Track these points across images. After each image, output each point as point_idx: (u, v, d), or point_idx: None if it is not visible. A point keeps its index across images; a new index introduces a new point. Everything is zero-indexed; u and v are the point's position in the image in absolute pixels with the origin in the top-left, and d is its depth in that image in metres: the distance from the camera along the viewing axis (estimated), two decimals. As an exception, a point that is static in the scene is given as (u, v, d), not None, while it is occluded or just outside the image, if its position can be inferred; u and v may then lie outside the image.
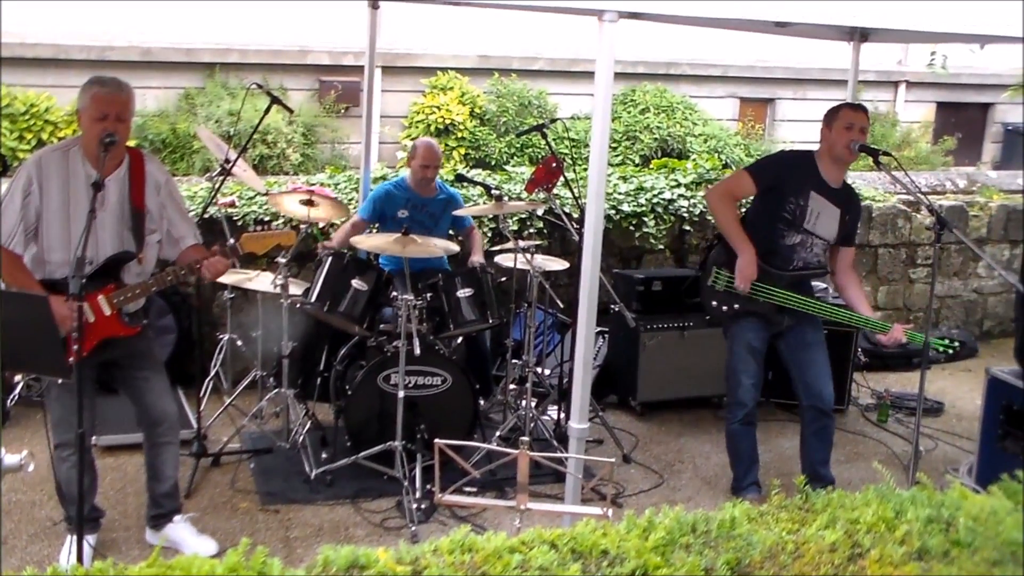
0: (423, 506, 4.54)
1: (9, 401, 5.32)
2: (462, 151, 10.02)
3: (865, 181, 8.27)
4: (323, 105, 10.29)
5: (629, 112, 10.81)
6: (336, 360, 5.30)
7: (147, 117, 9.37)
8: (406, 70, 10.64)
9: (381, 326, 5.16)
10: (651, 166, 7.98)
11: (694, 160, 7.78)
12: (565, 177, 5.38)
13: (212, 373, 5.69)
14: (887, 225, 7.61)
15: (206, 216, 5.39)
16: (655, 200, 6.94)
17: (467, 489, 3.93)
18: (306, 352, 5.35)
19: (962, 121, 13.40)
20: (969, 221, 7.90)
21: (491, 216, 6.28)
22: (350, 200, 6.38)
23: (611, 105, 3.74)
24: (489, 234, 6.37)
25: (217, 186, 5.25)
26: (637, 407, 6.06)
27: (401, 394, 4.67)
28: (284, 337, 5.11)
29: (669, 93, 11.21)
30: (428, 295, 4.93)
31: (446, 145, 9.85)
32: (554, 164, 5.30)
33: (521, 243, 5.18)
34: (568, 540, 2.00)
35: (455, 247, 5.21)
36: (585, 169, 3.90)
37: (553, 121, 6.60)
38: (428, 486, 4.54)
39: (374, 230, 5.62)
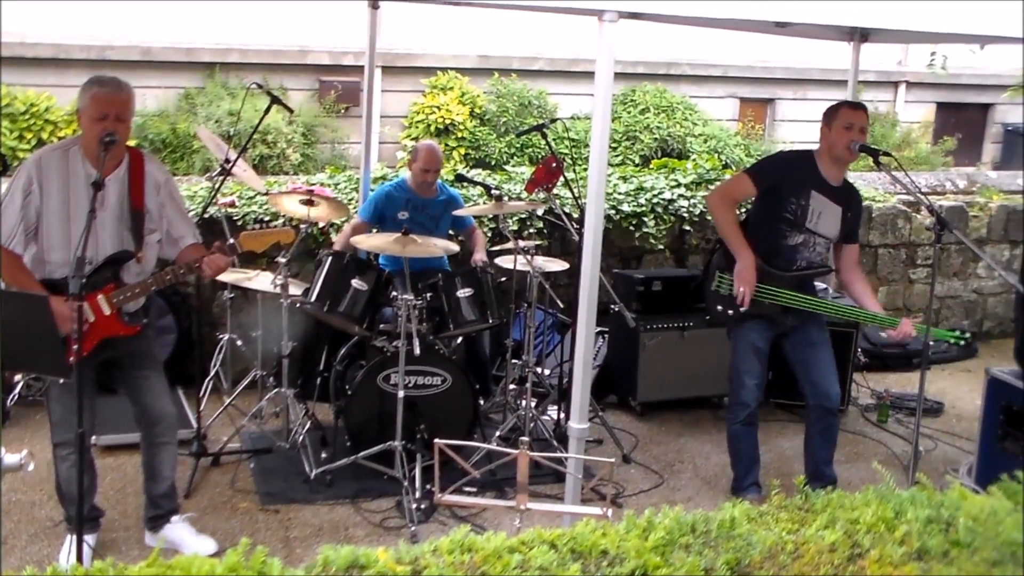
0: (423, 506, 4.54)
1: (9, 401, 5.32)
2: (462, 151, 10.02)
3: (865, 181, 8.27)
4: (323, 105, 10.29)
5: (629, 112, 10.81)
6: (336, 360, 5.30)
7: (147, 117, 9.37)
8: (406, 70, 10.65)
9: (381, 326, 5.16)
10: (651, 166, 7.98)
11: (694, 160, 7.78)
12: (565, 177, 5.38)
13: (212, 373, 5.69)
14: (887, 225, 7.61)
15: (206, 216, 5.40)
16: (655, 200, 6.94)
17: (467, 489, 3.92)
18: (306, 352, 5.35)
19: (962, 121, 13.41)
20: (969, 221, 7.91)
21: (491, 216, 6.28)
22: (350, 200, 6.38)
23: (611, 105, 3.74)
24: (489, 234, 6.37)
25: (217, 186, 5.25)
26: (637, 407, 6.06)
27: (401, 394, 4.67)
28: (284, 337, 5.11)
29: (669, 93, 11.21)
30: (428, 295, 4.93)
31: (446, 145, 9.85)
32: (554, 164, 5.30)
33: (521, 243, 5.18)
34: (568, 540, 2.00)
35: (455, 247, 5.21)
36: (585, 169, 3.90)
37: (553, 121, 6.60)
38: (428, 486, 4.53)
39: (375, 231, 5.62)
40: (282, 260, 5.01)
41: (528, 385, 5.19)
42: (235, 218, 5.95)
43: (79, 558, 3.54)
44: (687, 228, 7.02)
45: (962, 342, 4.68)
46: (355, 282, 4.90)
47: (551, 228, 6.47)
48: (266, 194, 5.97)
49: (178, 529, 4.18)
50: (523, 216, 6.45)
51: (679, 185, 7.13)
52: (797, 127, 12.04)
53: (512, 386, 5.62)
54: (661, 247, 6.94)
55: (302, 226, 5.19)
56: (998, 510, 2.11)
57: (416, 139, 9.72)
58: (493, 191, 5.43)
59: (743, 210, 6.03)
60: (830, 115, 4.56)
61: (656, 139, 10.49)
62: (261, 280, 5.32)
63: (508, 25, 10.05)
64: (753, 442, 4.86)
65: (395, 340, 4.78)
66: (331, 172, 7.12)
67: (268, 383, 5.46)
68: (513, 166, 8.42)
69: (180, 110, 9.74)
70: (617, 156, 10.19)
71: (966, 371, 7.26)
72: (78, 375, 3.37)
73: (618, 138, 10.44)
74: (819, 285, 5.74)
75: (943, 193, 8.59)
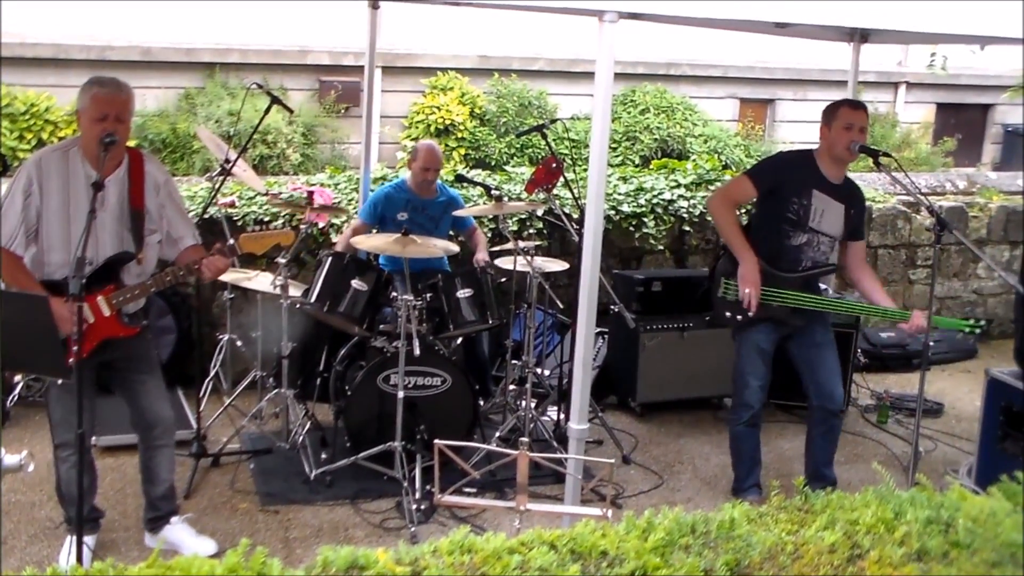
0: (423, 507, 4.54)
1: (9, 401, 5.32)
2: (462, 151, 10.02)
3: (865, 182, 8.24)
4: (323, 105, 10.29)
5: (629, 112, 10.81)
6: (336, 360, 5.29)
7: (147, 117, 9.37)
8: (406, 70, 10.65)
9: (381, 326, 5.16)
10: (651, 167, 7.98)
11: (694, 161, 7.78)
12: (565, 177, 5.38)
13: (212, 373, 5.69)
14: (887, 226, 7.61)
15: (206, 216, 5.40)
16: (655, 201, 6.94)
17: (467, 490, 3.93)
18: (306, 352, 5.35)
19: (962, 122, 13.41)
20: (969, 222, 7.91)
21: (491, 216, 6.27)
22: (350, 201, 6.39)
23: (611, 105, 3.74)
24: (489, 234, 6.36)
25: (217, 186, 5.25)
26: (637, 408, 6.06)
27: (401, 394, 4.67)
28: (284, 337, 5.11)
29: (669, 94, 11.21)
30: (428, 295, 4.93)
31: (446, 145, 9.85)
32: (554, 164, 5.30)
33: (521, 244, 5.18)
34: (567, 541, 2.00)
35: (455, 247, 5.21)
36: (585, 169, 3.90)
37: (553, 121, 6.59)
38: (428, 487, 4.54)
39: (374, 232, 5.61)
40: (282, 261, 5.01)
41: (528, 386, 5.19)
42: (235, 218, 5.95)
43: (79, 559, 3.54)
44: (687, 229, 7.02)
45: (977, 330, 4.64)
46: (355, 283, 4.90)
47: (551, 228, 6.47)
48: (266, 194, 5.97)
49: (178, 530, 4.18)
50: (523, 217, 6.45)
51: (679, 186, 7.14)
52: (797, 128, 12.04)
53: (512, 387, 5.62)
54: (661, 248, 6.94)
55: (302, 227, 5.20)
56: (998, 511, 2.11)
57: (416, 139, 9.71)
58: (493, 191, 5.43)
59: (743, 211, 6.04)
60: (830, 114, 4.55)
61: (656, 139, 10.49)
62: (261, 280, 5.32)
63: (508, 25, 10.05)
64: (755, 443, 4.85)
65: (395, 341, 4.78)
66: (331, 172, 7.12)
67: (268, 384, 5.46)
68: (513, 166, 8.42)
69: (180, 110, 9.74)
70: (617, 156, 10.19)
71: (966, 372, 7.26)
72: (78, 376, 3.37)
73: (618, 138, 10.44)
74: (820, 287, 5.74)
75: (943, 194, 8.59)
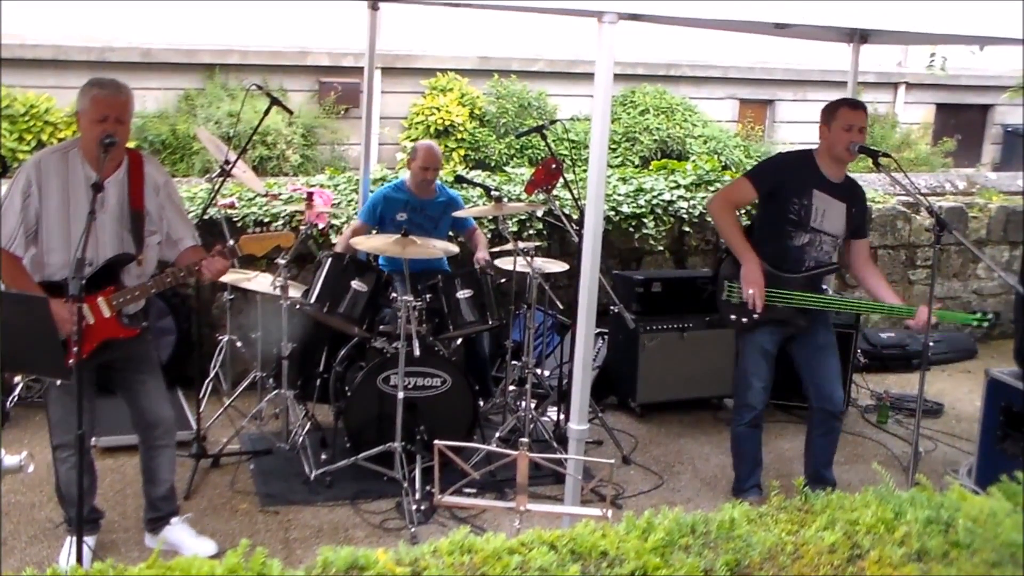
0: (422, 507, 4.54)
1: (9, 402, 5.32)
2: (462, 152, 10.02)
3: (865, 182, 8.18)
4: (323, 106, 10.29)
5: (629, 113, 10.81)
6: (336, 361, 5.30)
7: (147, 118, 9.37)
8: (406, 71, 10.65)
9: (381, 327, 5.16)
10: (651, 167, 7.98)
11: (694, 161, 7.79)
12: (565, 178, 5.38)
13: (211, 374, 5.70)
14: (887, 227, 7.61)
15: (206, 217, 5.39)
16: (655, 201, 6.94)
17: (467, 490, 3.93)
18: (305, 353, 5.35)
19: (962, 122, 13.41)
20: (968, 222, 7.91)
21: (491, 217, 6.27)
22: (350, 202, 6.39)
23: (611, 106, 3.73)
24: (489, 235, 6.36)
25: (217, 187, 5.25)
26: (636, 408, 6.06)
27: (400, 395, 4.67)
28: (283, 338, 5.12)
29: (669, 94, 11.21)
30: (428, 296, 4.93)
31: (446, 146, 9.85)
32: (553, 165, 5.30)
33: (521, 244, 5.18)
34: (567, 541, 2.00)
35: (455, 248, 5.21)
36: (585, 170, 3.90)
37: (553, 122, 6.60)
38: (427, 487, 4.54)
39: (374, 233, 5.62)
40: (282, 262, 5.01)
41: (528, 386, 5.19)
42: (235, 219, 5.95)
43: (79, 559, 3.54)
44: (687, 229, 7.02)
45: (985, 323, 4.62)
46: (355, 283, 4.90)
47: (551, 229, 6.47)
48: (266, 195, 5.97)
49: (178, 531, 4.18)
50: (523, 217, 6.46)
51: (679, 186, 7.14)
52: (797, 128, 12.05)
53: (512, 387, 5.62)
54: (661, 248, 6.95)
55: (301, 227, 5.20)
56: (997, 511, 2.11)
57: (416, 140, 9.71)
58: (493, 192, 5.43)
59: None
60: (829, 114, 4.55)
61: (656, 140, 10.49)
62: (261, 281, 5.32)
63: (508, 26, 10.05)
64: (757, 444, 4.85)
65: (395, 341, 4.78)
66: (331, 173, 7.12)
67: (268, 384, 5.46)
68: (513, 167, 8.42)
69: (180, 111, 9.74)
70: (617, 157, 10.19)
71: (966, 372, 7.26)
72: (78, 377, 3.37)
73: (618, 139, 10.44)
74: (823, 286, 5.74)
75: (943, 194, 8.59)
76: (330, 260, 4.99)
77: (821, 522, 2.15)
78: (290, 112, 5.81)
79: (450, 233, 5.80)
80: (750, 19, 4.15)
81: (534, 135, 6.31)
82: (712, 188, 7.19)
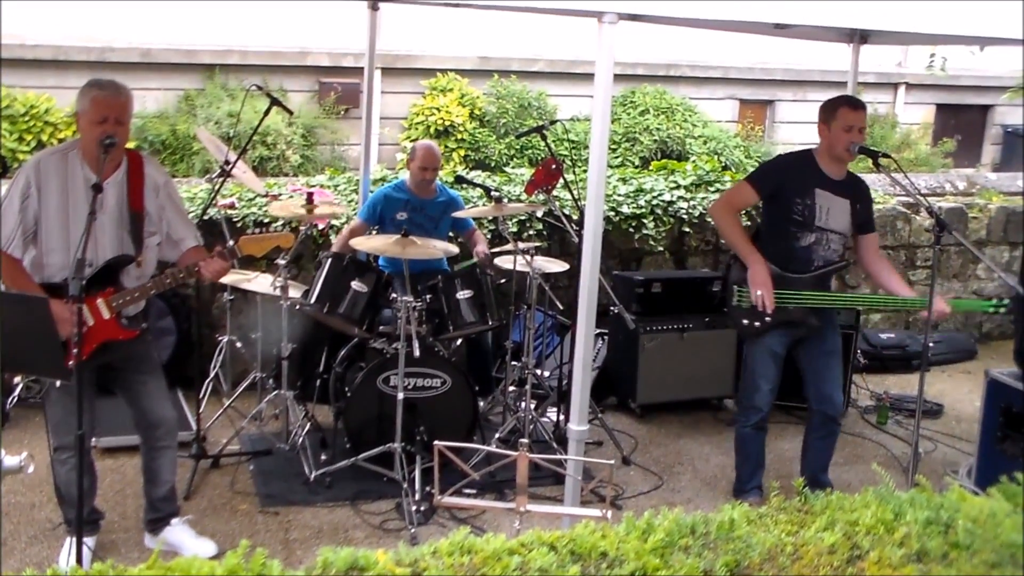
0: (422, 508, 4.54)
1: (9, 403, 5.32)
2: (462, 152, 10.02)
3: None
4: (323, 106, 10.29)
5: (629, 114, 10.81)
6: (335, 362, 5.30)
7: (147, 118, 9.37)
8: (406, 71, 10.65)
9: (380, 328, 5.16)
10: (651, 168, 7.98)
11: (694, 162, 7.79)
12: (565, 179, 5.38)
13: (211, 375, 5.70)
14: (886, 227, 7.61)
15: (206, 218, 5.39)
16: (655, 202, 6.94)
17: (466, 491, 3.93)
18: (305, 354, 5.35)
19: (962, 123, 13.42)
20: (968, 223, 7.91)
21: (491, 218, 6.28)
22: (350, 202, 6.39)
23: (611, 107, 3.73)
24: (489, 236, 6.37)
25: (217, 188, 5.25)
26: (636, 409, 6.06)
27: (400, 396, 4.67)
28: (283, 339, 5.11)
29: (669, 95, 11.22)
30: (427, 297, 4.93)
31: (446, 147, 9.85)
32: (553, 166, 5.30)
33: (521, 245, 5.18)
34: (567, 542, 2.00)
35: (455, 248, 5.22)
36: (585, 171, 3.90)
37: (553, 123, 6.60)
38: (427, 488, 4.53)
39: (374, 233, 5.62)
40: (282, 262, 5.01)
41: (527, 387, 5.19)
42: (235, 220, 5.95)
43: (79, 560, 3.54)
44: (687, 230, 7.02)
45: (1002, 310, 4.59)
46: (355, 284, 4.90)
47: (551, 230, 6.47)
48: (266, 196, 5.97)
49: (178, 531, 4.18)
50: (523, 218, 6.46)
51: (679, 187, 7.14)
52: (797, 129, 12.04)
53: (511, 388, 5.62)
54: (661, 249, 6.95)
55: (301, 228, 5.19)
56: (997, 512, 2.11)
57: (415, 140, 9.70)
58: (493, 193, 5.43)
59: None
60: (828, 113, 4.53)
61: (656, 141, 10.49)
62: (260, 282, 5.32)
63: (508, 26, 10.05)
64: (761, 446, 4.85)
65: (395, 342, 4.78)
66: (331, 174, 7.12)
67: (268, 385, 5.46)
68: (513, 168, 8.42)
69: (180, 112, 9.74)
70: (617, 158, 10.19)
71: (966, 373, 7.26)
72: (78, 378, 3.37)
73: (618, 140, 10.44)
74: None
75: (943, 195, 8.59)
76: (330, 261, 4.99)
77: (821, 523, 2.15)
78: (290, 112, 5.81)
79: (450, 234, 5.80)
80: (750, 19, 4.14)
81: (534, 135, 6.31)
82: (712, 188, 7.20)
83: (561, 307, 5.78)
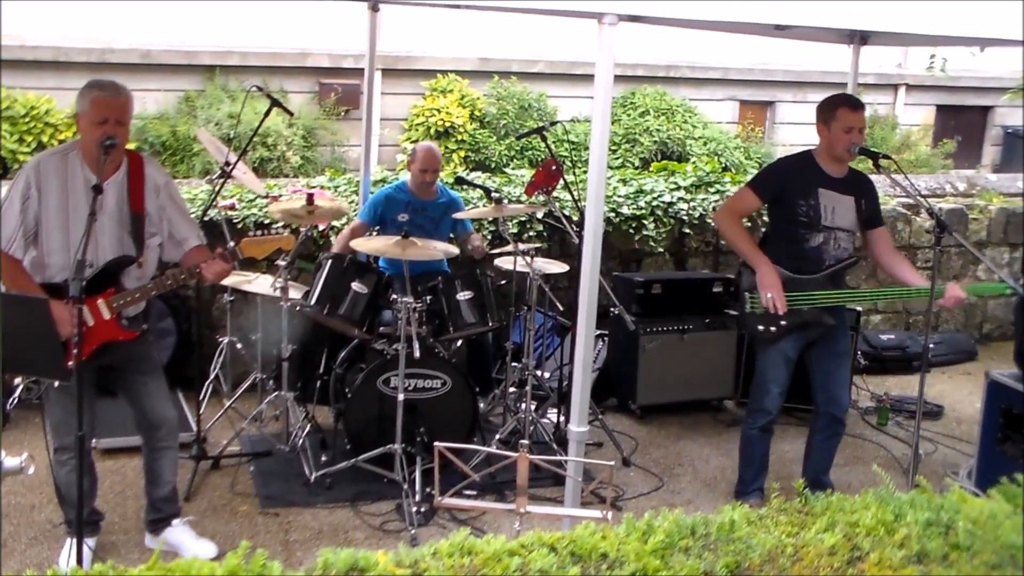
0: (422, 509, 4.54)
1: (9, 404, 5.32)
2: (462, 154, 10.02)
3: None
4: (323, 108, 10.29)
5: (629, 115, 10.81)
6: (336, 363, 5.30)
7: (147, 119, 9.37)
8: (406, 73, 10.65)
9: (381, 329, 5.16)
10: (651, 169, 7.98)
11: (694, 163, 7.79)
12: (565, 180, 5.38)
13: (212, 376, 5.70)
14: (887, 228, 7.60)
15: (206, 219, 5.39)
16: (655, 203, 6.94)
17: (467, 492, 3.92)
18: (306, 355, 5.35)
19: (962, 124, 13.41)
20: (969, 224, 7.91)
21: (491, 219, 6.28)
22: (350, 203, 6.39)
23: (611, 108, 3.73)
24: (489, 237, 6.37)
25: (217, 189, 5.25)
26: (637, 410, 6.06)
27: (401, 397, 4.67)
28: (284, 340, 5.11)
29: (669, 96, 11.21)
30: (428, 298, 4.93)
31: (446, 148, 9.85)
32: (554, 167, 5.30)
33: (521, 246, 5.18)
34: (567, 543, 2.00)
35: (455, 250, 5.22)
36: (585, 172, 3.90)
37: (553, 124, 6.60)
38: (428, 489, 4.54)
39: (374, 234, 5.62)
40: (282, 263, 5.01)
41: (528, 388, 5.19)
42: (235, 221, 5.95)
43: (79, 561, 3.54)
44: (687, 231, 7.02)
45: (1021, 290, 4.57)
46: (355, 285, 4.90)
47: (551, 231, 6.47)
48: (266, 197, 5.97)
49: (179, 532, 4.18)
50: (523, 219, 6.46)
51: (679, 188, 7.14)
52: (797, 130, 12.04)
53: (512, 389, 5.62)
54: (661, 250, 6.95)
55: (302, 229, 5.19)
56: (997, 513, 2.11)
57: (416, 142, 9.71)
58: (493, 194, 5.44)
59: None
60: (827, 114, 4.51)
61: (656, 142, 10.49)
62: (261, 283, 5.32)
63: (508, 28, 10.05)
64: (766, 449, 4.83)
65: (395, 343, 4.78)
66: (331, 175, 7.12)
67: (268, 386, 5.46)
68: (513, 169, 8.42)
69: (180, 113, 9.74)
70: (617, 159, 10.19)
71: (966, 374, 7.26)
72: (78, 379, 3.37)
73: (618, 141, 10.44)
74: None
75: (943, 196, 8.58)
76: (330, 262, 4.99)
77: (821, 524, 2.15)
78: (290, 113, 5.82)
79: (451, 235, 5.81)
80: (750, 21, 4.14)
81: (534, 136, 6.31)
82: (712, 190, 7.20)
83: (561, 308, 5.78)
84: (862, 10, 3.85)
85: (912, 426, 4.84)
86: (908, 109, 13.08)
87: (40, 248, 3.76)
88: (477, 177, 7.10)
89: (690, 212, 6.98)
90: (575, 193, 5.49)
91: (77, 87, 3.83)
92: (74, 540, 3.64)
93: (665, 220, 6.92)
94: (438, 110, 10.17)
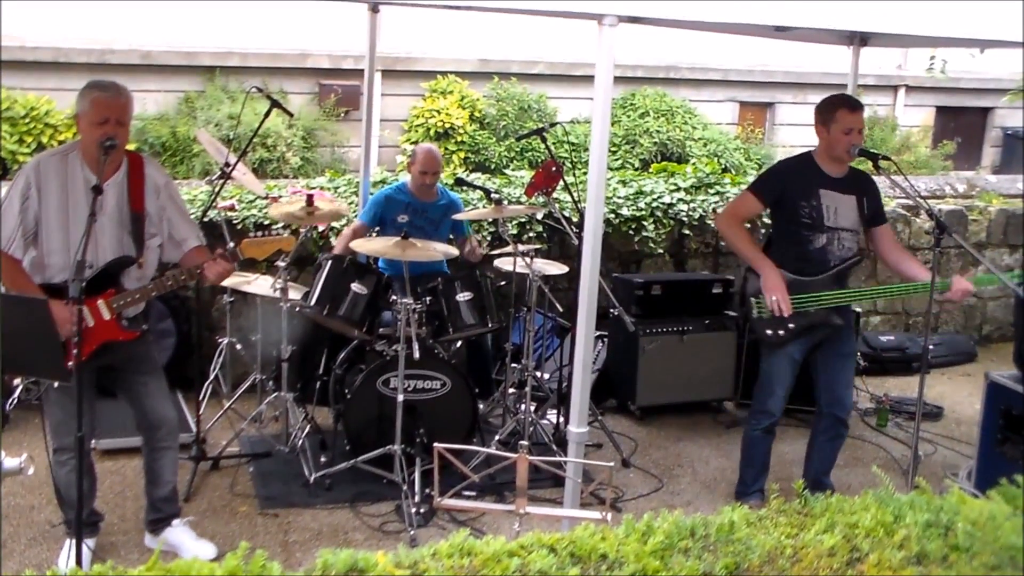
0: (422, 510, 4.54)
1: (8, 404, 5.32)
2: (462, 155, 10.02)
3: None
4: (323, 109, 10.29)
5: (629, 116, 10.81)
6: (335, 364, 5.29)
7: (147, 120, 9.37)
8: (406, 74, 10.65)
9: (380, 330, 5.16)
10: (650, 170, 7.98)
11: (694, 164, 7.79)
12: (565, 181, 5.38)
13: (211, 377, 5.70)
14: (890, 225, 7.61)
15: (206, 220, 5.39)
16: (654, 204, 6.94)
17: (466, 493, 3.92)
18: (305, 356, 5.35)
19: (961, 125, 13.41)
20: (968, 225, 7.91)
21: (491, 220, 6.28)
22: (350, 204, 6.39)
23: (611, 109, 3.73)
24: (489, 238, 6.37)
25: (217, 190, 5.25)
26: (636, 411, 6.06)
27: (400, 398, 4.67)
28: (283, 341, 5.11)
29: (669, 97, 11.21)
30: (427, 299, 4.93)
31: (446, 149, 9.85)
32: (554, 168, 5.30)
33: (520, 247, 5.18)
34: (567, 544, 2.00)
35: (455, 251, 5.22)
36: (585, 173, 3.90)
37: (553, 125, 6.61)
38: (427, 490, 4.53)
39: (374, 235, 5.62)
40: (282, 264, 5.01)
41: (527, 389, 5.19)
42: (235, 222, 5.95)
43: (78, 562, 3.54)
44: (686, 232, 7.02)
45: None
46: (355, 286, 4.90)
47: (551, 232, 6.47)
48: (266, 198, 5.97)
49: (178, 533, 4.18)
50: (523, 220, 6.46)
51: (678, 189, 7.14)
52: (797, 131, 12.03)
53: (511, 390, 5.62)
54: (660, 251, 6.95)
55: (302, 230, 5.19)
56: (997, 514, 2.11)
57: (416, 143, 9.72)
58: (493, 195, 5.43)
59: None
60: (826, 115, 4.50)
61: (656, 143, 10.49)
62: (260, 284, 5.32)
63: (508, 29, 10.04)
64: (767, 450, 4.83)
65: (394, 344, 4.78)
66: (331, 176, 7.12)
67: (267, 387, 5.46)
68: (513, 170, 8.43)
69: (180, 114, 9.74)
70: (616, 160, 10.19)
71: (966, 375, 7.26)
72: (77, 379, 3.37)
73: (617, 142, 10.44)
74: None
75: (942, 197, 8.59)
76: (330, 263, 4.99)
77: (820, 525, 2.15)
78: (290, 114, 5.82)
79: (450, 236, 5.81)
80: (750, 22, 4.14)
81: (534, 138, 6.31)
82: (712, 191, 7.20)
83: (561, 309, 5.78)
84: (862, 11, 3.86)
85: (912, 427, 4.84)
86: (908, 110, 13.08)
87: (40, 248, 3.76)
88: (477, 178, 7.10)
89: (690, 213, 6.98)
90: (575, 194, 5.49)
91: (77, 88, 3.83)
92: (73, 541, 3.63)
93: (665, 221, 6.92)
94: (438, 111, 10.17)
